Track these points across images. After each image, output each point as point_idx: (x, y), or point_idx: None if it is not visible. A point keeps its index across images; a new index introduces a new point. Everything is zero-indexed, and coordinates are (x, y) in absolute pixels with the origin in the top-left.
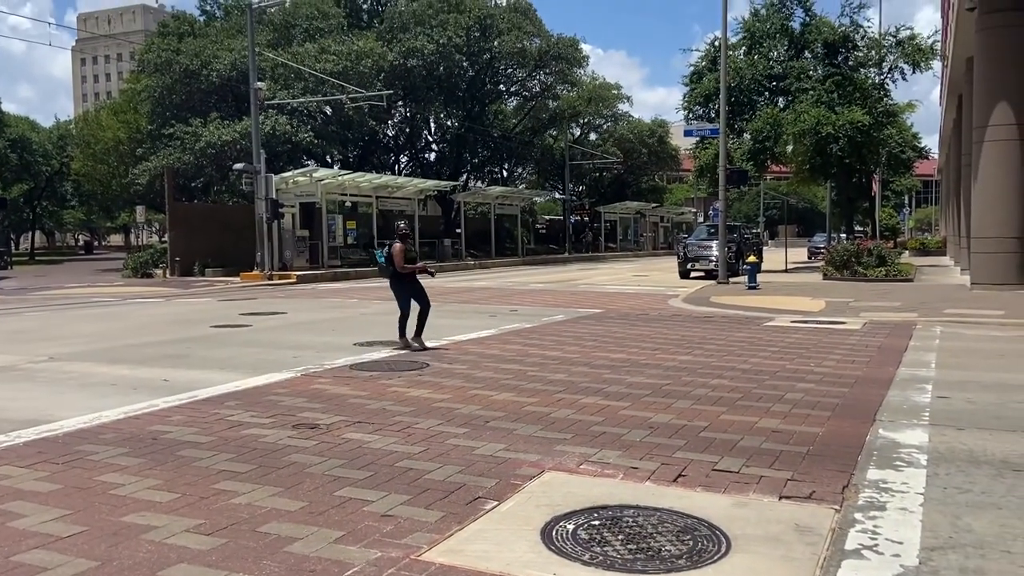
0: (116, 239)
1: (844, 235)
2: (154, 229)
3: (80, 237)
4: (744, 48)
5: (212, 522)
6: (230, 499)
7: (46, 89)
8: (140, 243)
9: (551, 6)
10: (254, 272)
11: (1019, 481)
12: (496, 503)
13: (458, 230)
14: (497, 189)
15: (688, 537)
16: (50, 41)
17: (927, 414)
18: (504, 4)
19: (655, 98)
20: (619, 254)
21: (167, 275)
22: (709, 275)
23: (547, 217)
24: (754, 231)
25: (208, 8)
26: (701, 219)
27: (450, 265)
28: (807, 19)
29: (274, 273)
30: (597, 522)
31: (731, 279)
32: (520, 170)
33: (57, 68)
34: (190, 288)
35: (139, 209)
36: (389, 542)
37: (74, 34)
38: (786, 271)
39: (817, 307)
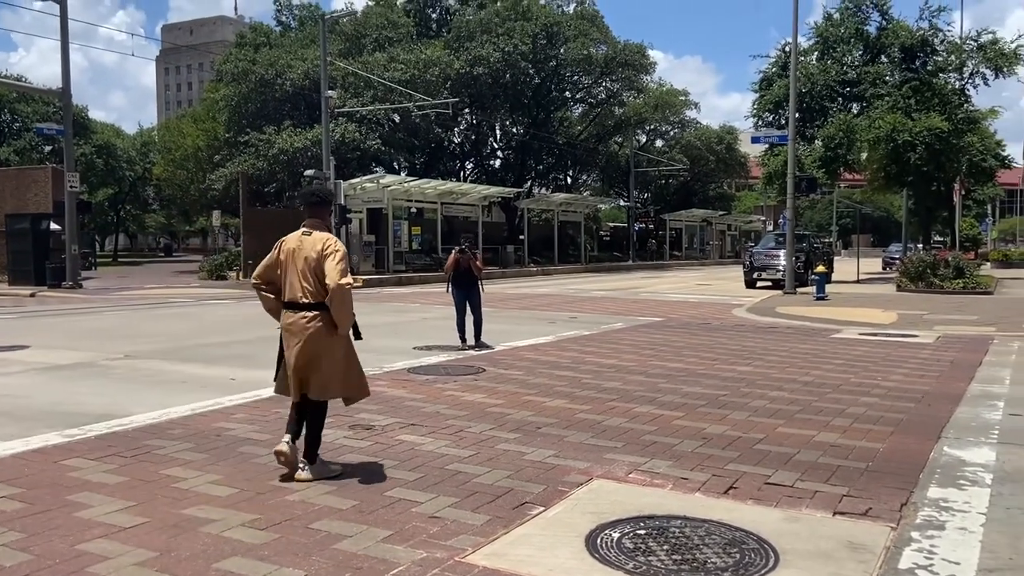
0: (194, 242)
1: (921, 245)
2: (229, 233)
3: (161, 240)
4: (816, 53)
5: (267, 517)
6: (285, 495)
7: (136, 98)
8: (216, 246)
9: (621, 14)
10: None
11: None
12: (542, 509)
13: (521, 236)
14: (561, 196)
15: (735, 550)
16: (132, 51)
17: (996, 432)
18: (571, 11)
19: (729, 104)
20: (684, 262)
21: (240, 277)
22: (776, 285)
23: (611, 224)
24: (825, 240)
25: (283, 19)
26: (770, 227)
27: (513, 271)
28: (884, 23)
29: None
30: (643, 531)
31: (799, 289)
32: (584, 177)
33: (146, 77)
34: None
35: (215, 213)
36: (435, 543)
37: (160, 45)
38: (858, 282)
39: (888, 319)
